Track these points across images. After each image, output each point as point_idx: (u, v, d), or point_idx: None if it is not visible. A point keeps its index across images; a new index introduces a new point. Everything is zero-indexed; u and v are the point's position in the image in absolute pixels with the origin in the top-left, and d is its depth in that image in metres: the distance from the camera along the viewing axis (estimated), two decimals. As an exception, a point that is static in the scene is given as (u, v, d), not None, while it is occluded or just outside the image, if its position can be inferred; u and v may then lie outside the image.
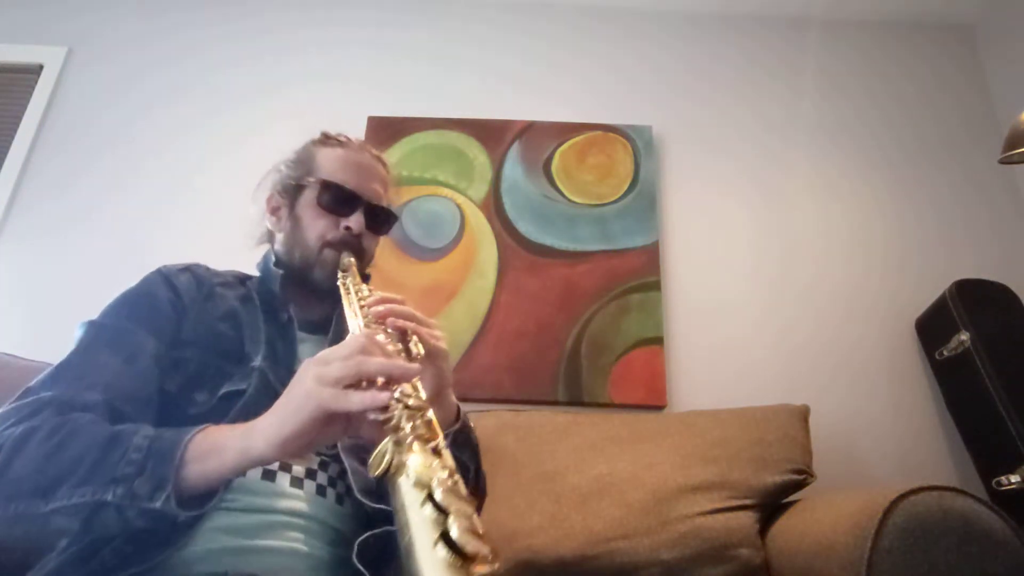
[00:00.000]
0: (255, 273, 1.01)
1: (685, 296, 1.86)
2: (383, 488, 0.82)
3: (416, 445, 0.50)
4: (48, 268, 1.88)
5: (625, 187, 1.96)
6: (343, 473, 0.81)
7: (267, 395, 0.79)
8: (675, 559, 1.23)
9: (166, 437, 0.62)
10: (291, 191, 0.98)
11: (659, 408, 1.70)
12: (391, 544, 0.77)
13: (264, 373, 0.81)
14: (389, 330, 0.72)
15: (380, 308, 0.74)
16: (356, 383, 0.57)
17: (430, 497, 0.43)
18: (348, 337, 0.65)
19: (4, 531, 0.66)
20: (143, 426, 0.65)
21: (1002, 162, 1.58)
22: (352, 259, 0.92)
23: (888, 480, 1.60)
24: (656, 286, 1.83)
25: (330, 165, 0.98)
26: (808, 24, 2.23)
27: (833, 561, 0.94)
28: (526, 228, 1.91)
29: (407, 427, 0.52)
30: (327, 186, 0.95)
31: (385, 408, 0.54)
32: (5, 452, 0.63)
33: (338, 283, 0.88)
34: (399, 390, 0.56)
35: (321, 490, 0.79)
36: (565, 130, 2.04)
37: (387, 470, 0.49)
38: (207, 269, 0.95)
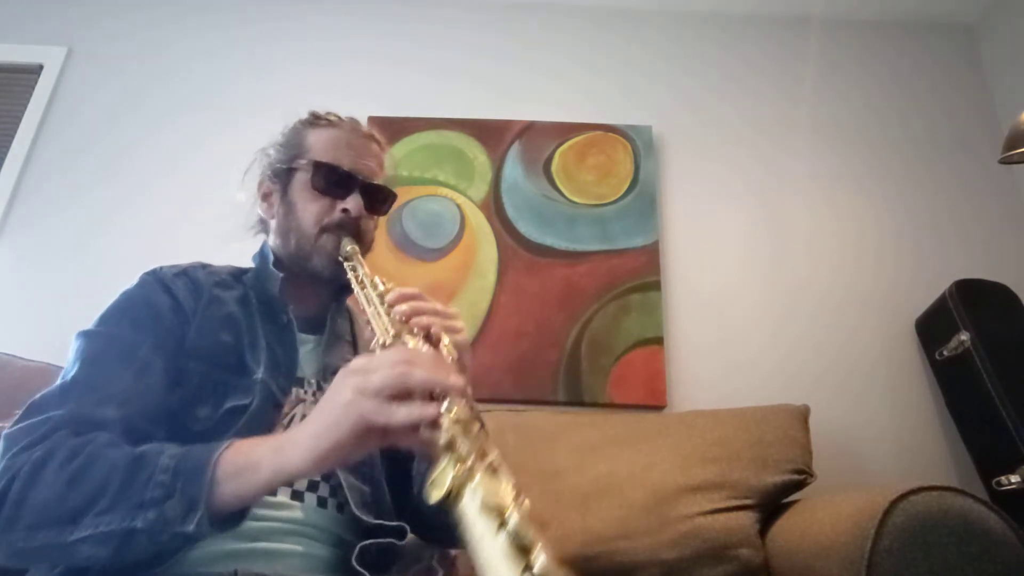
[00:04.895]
0: (251, 264, 0.96)
1: (685, 296, 1.86)
2: (380, 502, 0.82)
3: (477, 465, 0.48)
4: (48, 268, 1.88)
5: (625, 187, 1.96)
6: (342, 485, 0.80)
7: (270, 407, 0.78)
8: (675, 559, 1.23)
9: (193, 456, 0.59)
10: (282, 175, 0.93)
11: (659, 408, 1.70)
12: (391, 552, 0.77)
13: (267, 385, 0.79)
14: (415, 330, 0.69)
15: (404, 307, 0.71)
16: (399, 395, 0.54)
17: (504, 526, 0.41)
18: (388, 350, 0.63)
19: (29, 561, 0.63)
20: (166, 445, 0.62)
21: (1002, 162, 1.58)
22: (354, 246, 0.87)
23: (888, 480, 1.60)
24: (656, 286, 1.83)
25: (322, 145, 0.92)
26: (808, 24, 2.23)
27: (833, 561, 0.94)
28: (526, 228, 1.91)
29: (464, 445, 0.49)
30: (320, 167, 0.90)
31: (435, 423, 0.52)
32: (22, 480, 0.60)
33: (347, 275, 0.84)
34: (446, 403, 0.54)
35: (322, 502, 0.78)
36: (565, 130, 2.04)
37: (449, 494, 0.46)
38: (203, 269, 0.90)
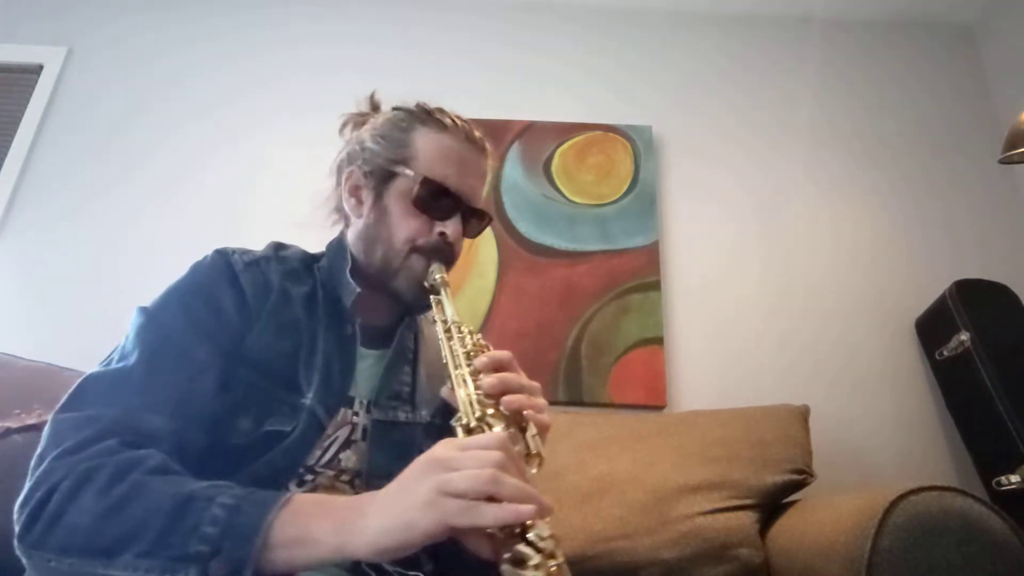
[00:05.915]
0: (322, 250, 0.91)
1: (685, 296, 1.86)
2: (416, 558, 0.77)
3: None
4: (48, 268, 1.88)
5: (625, 187, 1.96)
6: None
7: (314, 433, 0.76)
8: (675, 559, 1.23)
9: (246, 512, 0.55)
10: (380, 175, 0.85)
11: (659, 408, 1.70)
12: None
13: (313, 411, 0.75)
14: (502, 408, 0.64)
15: (493, 381, 0.65)
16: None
17: None
18: (484, 436, 0.58)
19: None
20: (219, 488, 0.58)
21: (1002, 162, 1.58)
22: (444, 275, 0.81)
23: (888, 480, 1.60)
24: (656, 286, 1.83)
25: (431, 154, 0.84)
26: (808, 24, 2.23)
27: (833, 561, 0.94)
28: (526, 228, 1.91)
29: None
30: (428, 184, 0.82)
31: (518, 559, 0.48)
32: (62, 494, 0.57)
33: (430, 305, 0.80)
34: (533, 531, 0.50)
35: None
36: (565, 130, 2.04)
37: None
38: (276, 256, 0.85)
